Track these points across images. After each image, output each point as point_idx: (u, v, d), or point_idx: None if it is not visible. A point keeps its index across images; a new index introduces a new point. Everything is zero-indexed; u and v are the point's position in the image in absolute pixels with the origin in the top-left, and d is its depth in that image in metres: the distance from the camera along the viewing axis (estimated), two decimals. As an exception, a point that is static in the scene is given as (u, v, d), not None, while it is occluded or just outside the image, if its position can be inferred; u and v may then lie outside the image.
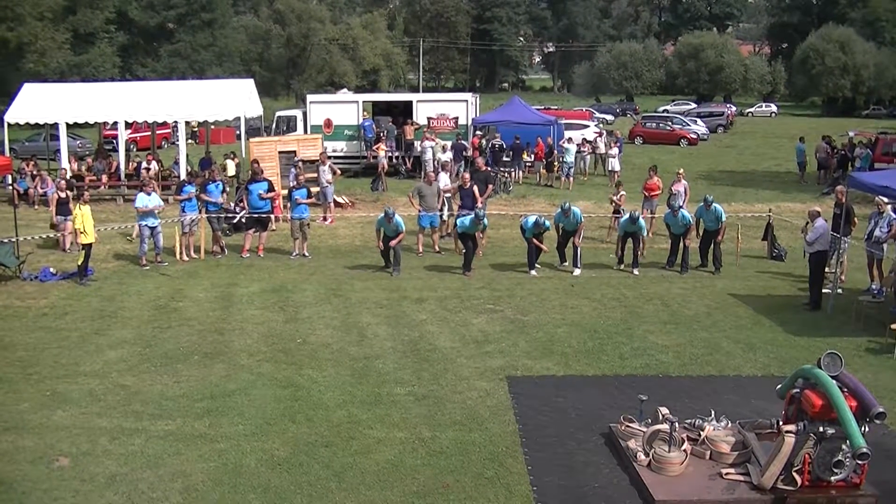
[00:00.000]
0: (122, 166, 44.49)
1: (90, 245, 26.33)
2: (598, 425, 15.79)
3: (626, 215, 29.16)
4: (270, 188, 30.72)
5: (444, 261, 29.69)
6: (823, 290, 25.08)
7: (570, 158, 48.40)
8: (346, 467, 14.29)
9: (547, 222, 28.32)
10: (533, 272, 27.95)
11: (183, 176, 38.65)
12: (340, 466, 14.30)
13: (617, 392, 17.62)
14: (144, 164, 42.80)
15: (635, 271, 28.46)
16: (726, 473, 14.01)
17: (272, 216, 31.74)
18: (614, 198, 32.65)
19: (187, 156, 43.02)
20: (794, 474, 13.48)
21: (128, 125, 48.25)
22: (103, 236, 29.52)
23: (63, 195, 30.39)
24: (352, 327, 21.89)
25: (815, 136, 60.74)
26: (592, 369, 19.10)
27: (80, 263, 26.25)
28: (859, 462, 13.22)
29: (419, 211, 30.44)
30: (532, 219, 28.05)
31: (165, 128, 59.25)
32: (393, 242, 27.73)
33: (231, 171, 42.04)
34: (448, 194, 31.98)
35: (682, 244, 29.02)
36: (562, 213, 28.19)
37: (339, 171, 38.15)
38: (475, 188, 30.63)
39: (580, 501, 13.39)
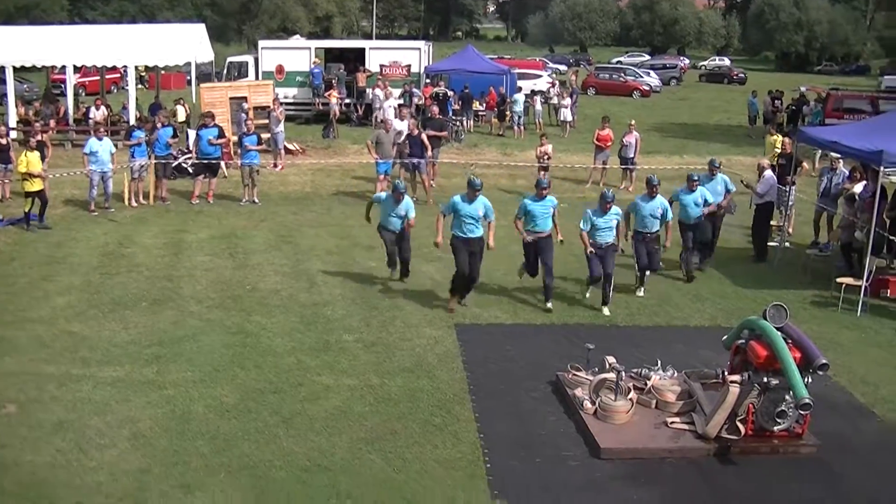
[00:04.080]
0: (71, 111, 43.99)
1: (40, 192, 25.97)
2: (545, 374, 15.89)
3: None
4: (220, 134, 30.52)
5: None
6: (771, 244, 25.30)
7: (518, 108, 48.40)
8: (295, 414, 14.31)
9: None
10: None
11: (132, 121, 38.32)
12: (289, 413, 14.33)
13: (565, 341, 17.72)
14: (93, 110, 42.34)
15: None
16: (672, 422, 14.16)
17: (222, 162, 31.55)
18: (539, 150, 32.26)
19: (137, 101, 42.56)
20: (738, 424, 13.64)
21: (76, 69, 47.63)
22: (51, 182, 29.21)
23: (3, 142, 28.87)
24: (301, 274, 21.86)
25: (767, 91, 60.94)
26: (541, 318, 19.19)
27: (27, 209, 25.88)
28: (802, 412, 13.39)
29: (376, 158, 30.34)
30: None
31: (115, 72, 58.51)
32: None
33: (181, 116, 41.67)
34: (401, 140, 31.87)
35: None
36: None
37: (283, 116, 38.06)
38: (423, 137, 30.57)
39: (527, 449, 13.49)
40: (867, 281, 20.68)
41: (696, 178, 22.80)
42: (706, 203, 22.62)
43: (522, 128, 48.34)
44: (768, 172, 25.16)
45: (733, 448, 13.57)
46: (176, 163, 31.20)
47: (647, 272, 21.32)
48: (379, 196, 21.84)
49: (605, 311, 19.76)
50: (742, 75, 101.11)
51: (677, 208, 22.65)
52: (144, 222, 26.87)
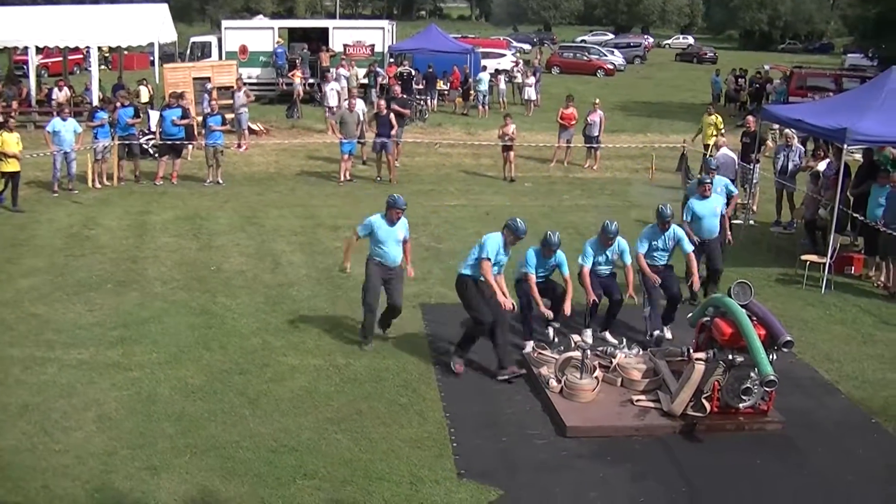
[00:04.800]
0: (33, 93, 43.67)
1: (14, 174, 25.80)
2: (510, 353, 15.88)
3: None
4: (184, 115, 30.37)
5: (360, 188, 29.68)
6: (735, 222, 25.41)
7: (483, 87, 48.44)
8: (261, 394, 14.30)
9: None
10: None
11: (95, 102, 38.08)
12: (255, 393, 14.31)
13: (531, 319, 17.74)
14: (56, 91, 42.04)
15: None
16: (637, 400, 14.21)
17: (186, 143, 31.42)
18: (501, 130, 32.24)
19: (100, 82, 42.31)
20: (704, 401, 13.70)
21: (38, 50, 47.26)
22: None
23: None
24: (266, 255, 21.82)
25: (731, 70, 61.10)
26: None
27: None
28: (767, 389, 13.46)
29: (340, 138, 30.31)
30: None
31: (77, 53, 58.19)
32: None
33: (144, 97, 41.44)
34: (363, 119, 31.84)
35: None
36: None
37: (251, 97, 37.89)
38: (391, 116, 30.60)
39: (493, 427, 13.53)
40: (831, 258, 20.79)
41: (708, 180, 19.49)
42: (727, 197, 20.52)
43: (486, 107, 48.41)
44: (722, 150, 25.35)
45: (699, 425, 13.62)
46: (137, 143, 31.01)
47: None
48: (370, 223, 16.11)
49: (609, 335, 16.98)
50: (713, 55, 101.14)
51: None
52: (108, 204, 26.74)
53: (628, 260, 16.78)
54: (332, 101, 39.74)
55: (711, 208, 19.00)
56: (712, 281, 18.99)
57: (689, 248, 17.17)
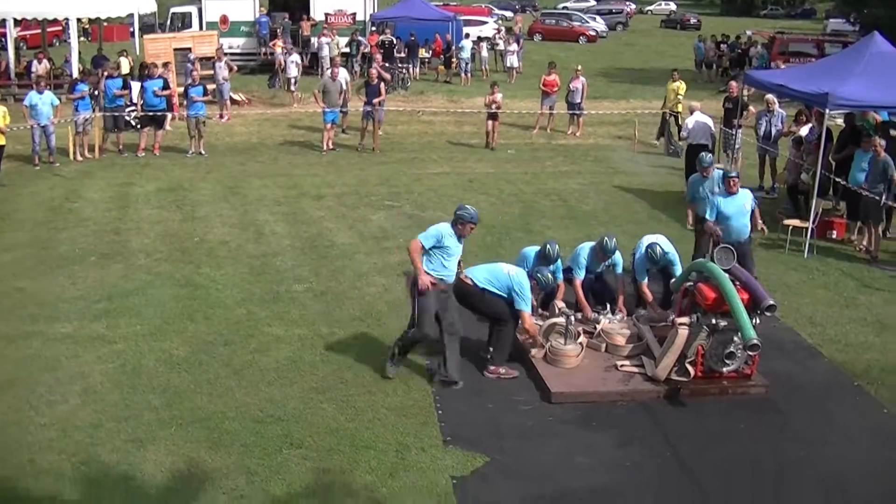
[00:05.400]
0: (12, 66, 43.40)
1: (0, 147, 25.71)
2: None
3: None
4: (165, 86, 30.25)
5: (342, 157, 29.67)
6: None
7: (466, 55, 48.35)
8: (246, 365, 14.30)
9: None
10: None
11: (75, 74, 37.87)
12: (240, 364, 14.31)
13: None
14: (35, 63, 41.79)
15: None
16: (621, 365, 14.26)
17: (168, 114, 31.28)
18: (489, 98, 32.09)
19: (79, 54, 42.05)
20: (688, 366, 13.76)
21: (17, 23, 46.93)
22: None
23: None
24: (249, 225, 21.80)
25: (710, 36, 61.04)
26: (492, 264, 19.26)
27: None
28: (750, 353, 13.52)
29: (323, 108, 30.25)
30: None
31: (56, 25, 57.75)
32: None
33: (125, 68, 41.23)
34: (346, 88, 31.75)
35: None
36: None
37: (234, 68, 37.72)
38: (381, 85, 30.58)
39: (478, 394, 13.57)
40: (813, 223, 20.88)
41: (734, 174, 17.04)
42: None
43: (469, 75, 48.39)
44: (695, 115, 25.43)
45: (683, 390, 13.68)
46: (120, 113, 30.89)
47: None
48: (438, 234, 13.90)
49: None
50: (696, 21, 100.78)
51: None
52: (90, 176, 26.64)
53: (620, 273, 16.25)
54: (293, 72, 39.61)
55: (740, 205, 16.86)
56: None
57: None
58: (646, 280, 16.01)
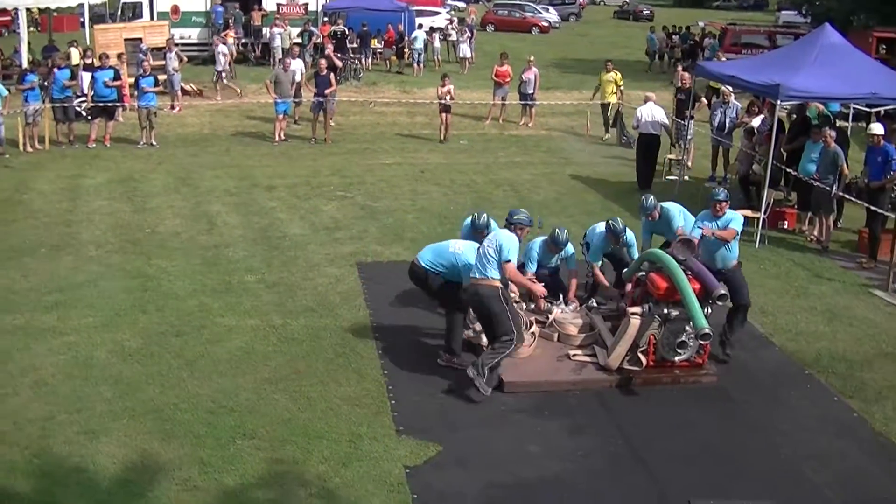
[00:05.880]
0: (-38, 55, 43.04)
1: None
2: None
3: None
4: (116, 76, 30.03)
5: (294, 148, 29.59)
6: (671, 177, 25.71)
7: (418, 45, 48.29)
8: (198, 356, 14.27)
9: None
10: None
11: (25, 65, 37.54)
12: (192, 355, 14.27)
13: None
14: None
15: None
16: (574, 355, 14.32)
17: (118, 105, 31.06)
18: (441, 90, 31.98)
19: (29, 44, 41.69)
20: (640, 355, 13.85)
21: (-35, 13, 46.63)
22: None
23: None
24: (201, 216, 21.71)
25: (661, 27, 61.24)
26: (443, 255, 19.29)
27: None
28: (702, 342, 13.63)
29: (275, 98, 30.15)
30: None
31: (5, 15, 57.29)
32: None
33: (75, 59, 40.91)
34: (299, 79, 31.65)
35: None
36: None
37: (184, 59, 37.48)
38: (331, 76, 30.51)
39: (430, 384, 13.60)
40: (765, 213, 21.02)
41: (721, 196, 15.08)
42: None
43: (421, 65, 48.32)
44: (648, 105, 25.62)
45: (635, 379, 13.77)
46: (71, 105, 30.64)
47: None
48: (516, 245, 13.60)
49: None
50: (649, 12, 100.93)
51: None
52: (40, 168, 26.40)
53: (573, 266, 16.14)
54: (221, 64, 39.30)
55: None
56: (739, 315, 14.92)
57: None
58: (599, 263, 16.18)
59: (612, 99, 32.15)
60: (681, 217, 16.18)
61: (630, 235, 16.22)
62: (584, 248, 16.46)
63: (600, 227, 16.16)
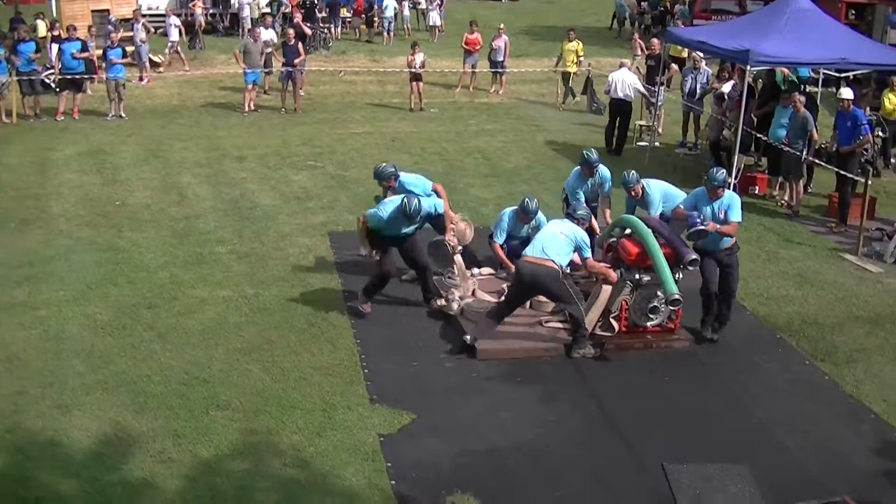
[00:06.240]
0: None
1: None
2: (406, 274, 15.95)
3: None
4: (84, 48, 29.82)
5: (264, 118, 29.45)
6: (641, 143, 25.76)
7: (388, 14, 48.07)
8: (170, 328, 14.24)
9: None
10: None
11: (-9, 38, 37.31)
12: (164, 327, 14.25)
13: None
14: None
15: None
16: (546, 322, 14.35)
17: (87, 77, 30.85)
18: (410, 58, 31.84)
19: (-6, 16, 41.48)
20: (612, 321, 13.90)
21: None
22: None
23: None
24: (171, 188, 21.62)
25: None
26: (414, 223, 19.30)
27: None
28: (673, 308, 13.68)
29: (244, 68, 30.00)
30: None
31: (-29, -12, 57.00)
32: None
33: (42, 31, 40.62)
34: (269, 49, 31.51)
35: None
36: None
37: (151, 30, 37.25)
38: (299, 45, 30.41)
39: (403, 351, 13.68)
40: (735, 178, 21.09)
41: (720, 179, 14.15)
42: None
43: (391, 34, 48.06)
44: (621, 71, 25.72)
45: (608, 345, 13.82)
46: (39, 77, 30.40)
47: None
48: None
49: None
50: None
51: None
52: (8, 141, 26.20)
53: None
54: (174, 36, 38.90)
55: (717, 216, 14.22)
56: (725, 304, 14.32)
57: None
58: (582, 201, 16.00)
59: (574, 69, 32.08)
60: (660, 203, 15.82)
61: (604, 171, 16.60)
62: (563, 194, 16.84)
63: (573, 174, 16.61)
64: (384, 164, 16.12)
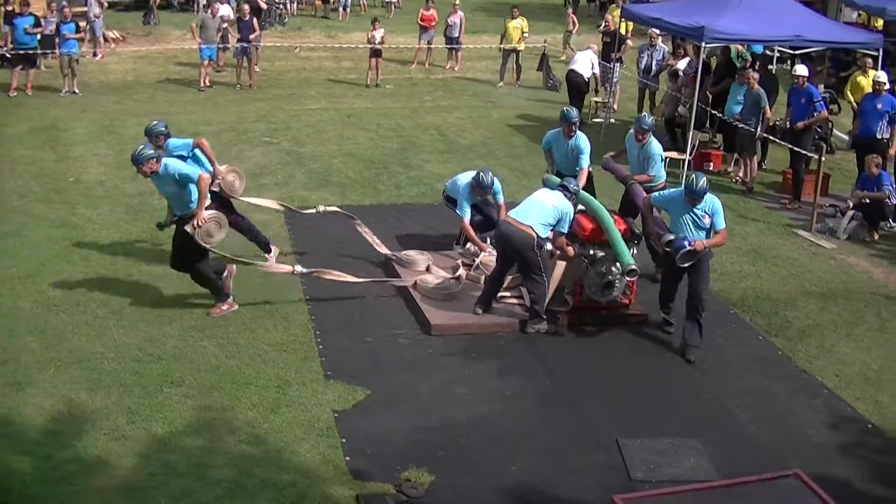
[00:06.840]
0: None
1: None
2: (375, 254, 15.94)
3: None
4: (37, 23, 29.55)
5: (220, 94, 29.30)
6: (597, 120, 25.84)
7: (347, -11, 47.98)
8: (124, 305, 14.16)
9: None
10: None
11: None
12: (118, 304, 14.17)
13: (394, 221, 17.81)
14: None
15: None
16: (501, 297, 14.38)
17: (39, 52, 30.58)
18: (370, 34, 31.74)
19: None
20: (567, 297, 13.95)
21: None
22: None
23: None
24: (125, 164, 21.17)
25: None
26: (369, 199, 19.29)
27: None
28: (629, 279, 13.71)
29: (200, 43, 29.80)
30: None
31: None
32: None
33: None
34: (226, 24, 31.33)
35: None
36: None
37: (105, 4, 36.88)
38: (254, 21, 30.28)
39: (358, 328, 13.69)
40: (690, 155, 21.25)
41: (697, 187, 12.96)
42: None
43: (347, 10, 47.86)
44: (582, 52, 25.89)
45: (562, 320, 13.87)
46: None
47: None
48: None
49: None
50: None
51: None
52: (-41, 118, 26.02)
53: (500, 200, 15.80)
54: (94, 10, 38.38)
55: (698, 216, 13.34)
56: (690, 308, 13.45)
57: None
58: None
59: (521, 46, 32.06)
60: (660, 160, 16.36)
61: (583, 141, 16.66)
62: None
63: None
64: (156, 122, 15.90)
